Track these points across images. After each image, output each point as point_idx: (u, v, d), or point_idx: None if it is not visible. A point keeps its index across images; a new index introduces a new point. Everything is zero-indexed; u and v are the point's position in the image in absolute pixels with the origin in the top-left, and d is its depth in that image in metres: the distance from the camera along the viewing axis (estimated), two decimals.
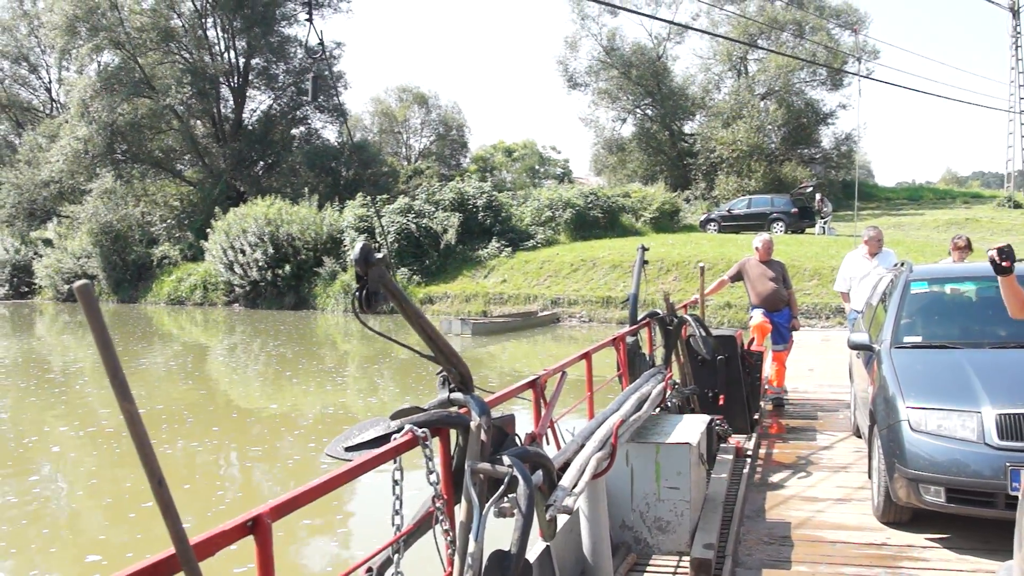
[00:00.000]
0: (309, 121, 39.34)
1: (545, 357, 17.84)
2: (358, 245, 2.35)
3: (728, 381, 6.81)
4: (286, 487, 8.82)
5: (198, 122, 38.21)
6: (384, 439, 2.70)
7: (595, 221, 28.27)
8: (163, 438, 10.59)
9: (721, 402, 6.75)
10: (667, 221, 29.79)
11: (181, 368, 17.40)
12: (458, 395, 2.86)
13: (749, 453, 6.30)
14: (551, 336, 20.84)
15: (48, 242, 36.18)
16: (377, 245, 26.57)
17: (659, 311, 6.07)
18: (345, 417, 12.35)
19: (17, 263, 35.62)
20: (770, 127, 37.10)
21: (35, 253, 35.80)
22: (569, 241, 27.21)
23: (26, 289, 35.32)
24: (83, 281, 1.42)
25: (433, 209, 27.40)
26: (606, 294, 22.31)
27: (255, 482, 9.52)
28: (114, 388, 1.39)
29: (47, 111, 47.55)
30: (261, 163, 38.02)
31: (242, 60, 38.03)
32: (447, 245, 26.50)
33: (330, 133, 40.06)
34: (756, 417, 7.36)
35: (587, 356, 4.92)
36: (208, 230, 30.03)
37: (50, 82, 47.76)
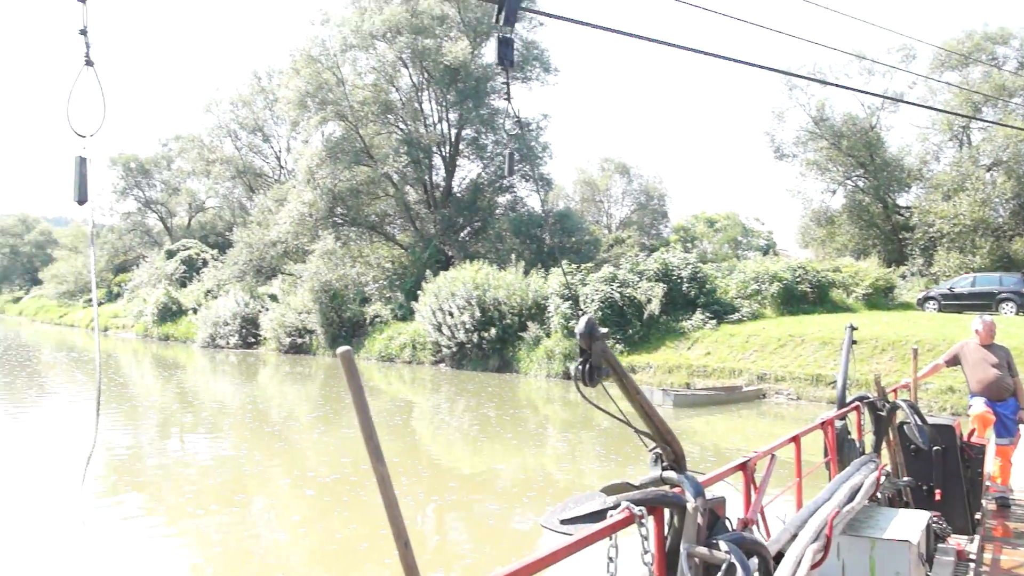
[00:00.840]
0: (515, 189, 41.34)
1: (751, 435, 17.99)
2: (583, 319, 2.43)
3: (945, 475, 6.42)
4: (482, 548, 9.61)
5: (411, 189, 41.02)
6: (600, 515, 2.73)
7: (803, 296, 28.07)
8: (365, 487, 11.59)
9: (938, 497, 6.40)
10: (881, 298, 29.10)
11: (387, 422, 18.63)
12: (671, 474, 2.89)
13: (972, 557, 5.89)
14: (756, 412, 20.89)
15: (273, 297, 39.72)
16: (581, 312, 27.56)
17: (869, 394, 5.92)
18: (543, 481, 12.99)
19: (246, 315, 39.25)
20: (997, 200, 35.50)
21: (262, 307, 39.36)
22: (776, 315, 27.14)
23: (253, 340, 38.80)
24: (345, 348, 1.53)
25: (637, 279, 28.14)
26: (815, 372, 22.14)
27: (451, 541, 10.30)
28: (368, 450, 1.51)
29: (276, 177, 52.48)
30: (468, 228, 40.21)
31: (454, 131, 40.63)
32: (650, 315, 27.11)
33: (535, 201, 41.95)
34: (978, 517, 6.92)
35: (796, 440, 4.85)
36: (419, 291, 32.09)
37: (280, 151, 52.81)
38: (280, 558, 9.04)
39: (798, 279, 28.21)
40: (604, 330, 2.47)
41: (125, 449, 14.95)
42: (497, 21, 4.28)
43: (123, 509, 10.47)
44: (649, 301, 27.23)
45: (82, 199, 3.41)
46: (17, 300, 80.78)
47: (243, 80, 52.56)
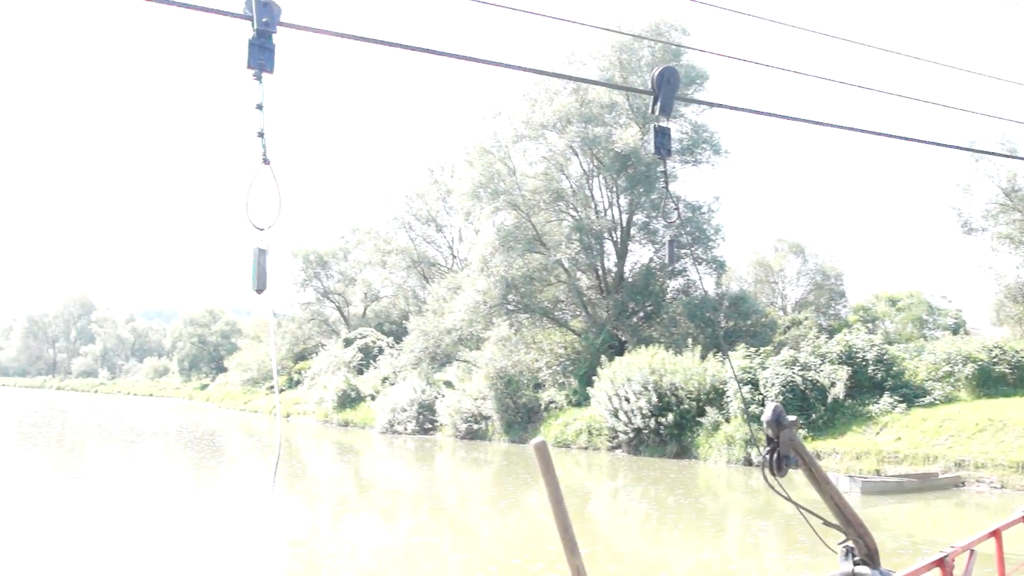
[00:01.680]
0: (687, 273, 41.94)
1: (948, 527, 17.66)
2: (770, 407, 2.39)
3: None
4: None
5: (583, 275, 42.33)
6: None
7: (1001, 377, 27.19)
8: (544, 572, 11.87)
9: None
10: None
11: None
12: (864, 569, 2.86)
13: None
14: (954, 502, 20.43)
15: (449, 384, 41.60)
16: (761, 396, 27.73)
17: None
18: (724, 573, 13.08)
19: (423, 402, 41.24)
20: None
21: (438, 393, 41.27)
22: (972, 398, 26.42)
23: (430, 425, 40.65)
24: (540, 440, 1.53)
25: (819, 362, 28.09)
26: (1021, 458, 21.46)
27: None
28: (563, 543, 1.52)
29: (449, 266, 55.25)
30: (641, 313, 41.01)
31: (624, 216, 41.85)
32: (835, 399, 26.96)
33: (708, 283, 42.34)
34: None
35: (997, 534, 4.65)
36: (594, 377, 33.00)
37: (453, 240, 55.68)
38: None
39: (995, 359, 27.38)
40: (792, 418, 2.51)
41: (304, 529, 15.87)
42: (653, 111, 4.42)
43: None
44: (833, 385, 27.12)
45: (260, 288, 3.63)
46: (204, 387, 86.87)
47: (417, 173, 56.08)
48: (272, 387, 68.72)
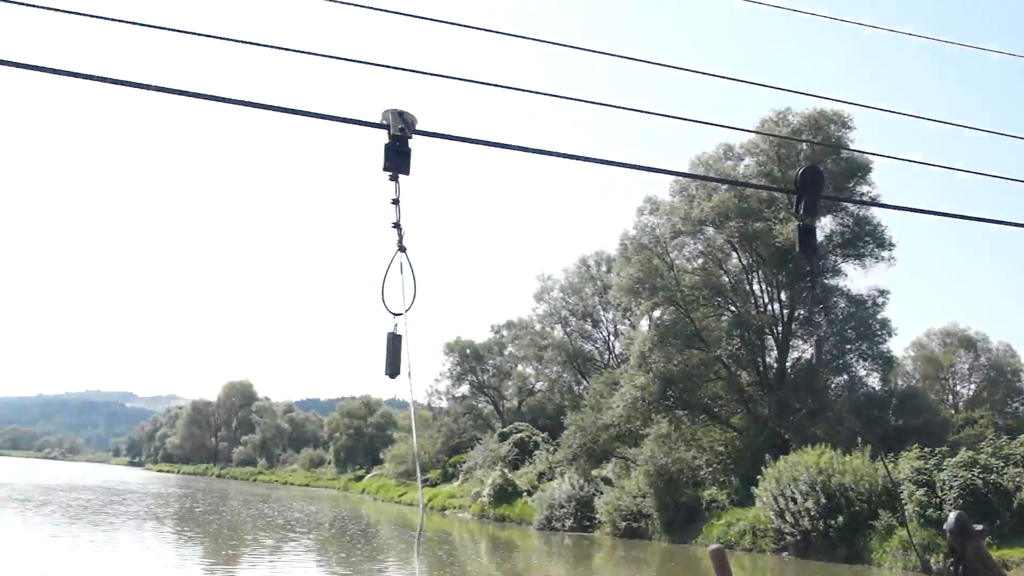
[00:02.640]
0: (853, 369, 41.34)
1: None
2: (953, 516, 2.50)
3: None
4: None
5: (743, 371, 42.35)
6: None
7: None
8: None
9: None
10: None
11: None
12: None
13: None
14: None
15: (607, 480, 42.03)
16: (938, 500, 27.06)
17: None
18: None
19: (580, 498, 41.75)
20: None
21: (596, 490, 41.73)
22: None
23: (588, 523, 41.03)
24: (717, 547, 1.93)
25: (1002, 464, 27.27)
26: None
27: None
28: None
29: (604, 361, 56.13)
30: (804, 410, 40.60)
31: (785, 311, 41.84)
32: (1020, 504, 26.05)
33: (874, 380, 41.57)
34: None
35: None
36: (759, 476, 32.86)
37: (608, 335, 56.68)
38: None
39: None
40: (979, 527, 2.66)
41: None
42: (797, 210, 4.40)
43: None
44: (1019, 488, 26.24)
45: (393, 373, 3.68)
46: (359, 479, 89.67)
47: (571, 266, 57.75)
48: (426, 479, 70.55)
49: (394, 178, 3.47)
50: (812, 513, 29.89)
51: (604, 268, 56.53)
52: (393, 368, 3.62)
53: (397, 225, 3.56)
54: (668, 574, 27.98)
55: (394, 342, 3.62)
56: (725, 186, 40.38)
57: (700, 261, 42.92)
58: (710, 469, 39.39)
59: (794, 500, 30.56)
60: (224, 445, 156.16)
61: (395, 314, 3.62)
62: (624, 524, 38.41)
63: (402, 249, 3.60)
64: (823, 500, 29.80)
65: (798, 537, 30.53)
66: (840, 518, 29.31)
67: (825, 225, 41.56)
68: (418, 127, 3.58)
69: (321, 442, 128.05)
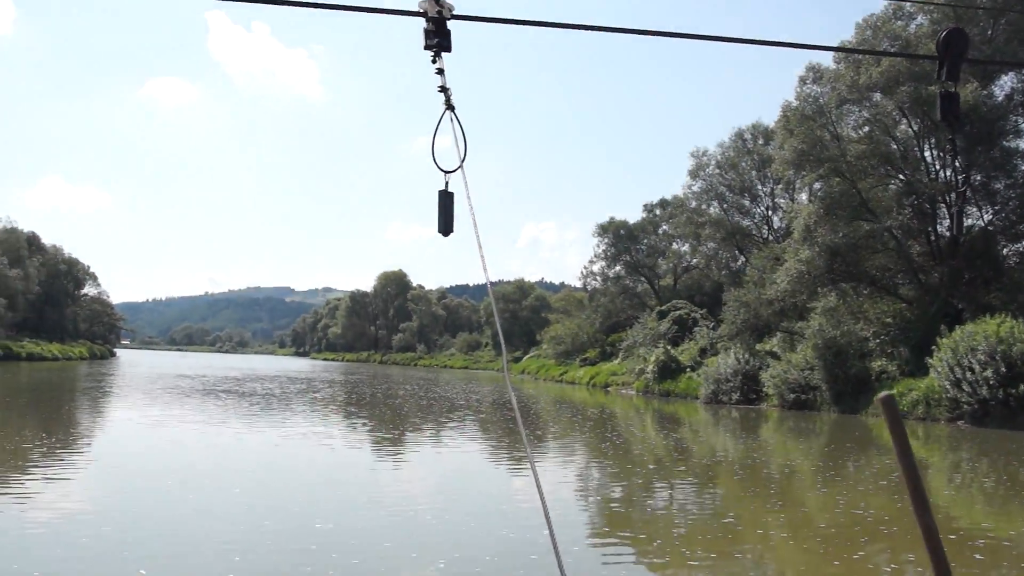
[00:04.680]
0: None
1: None
2: None
3: None
4: None
5: (913, 241, 41.55)
6: None
7: None
8: (861, 542, 11.74)
9: None
10: None
11: (894, 478, 18.21)
12: None
13: None
14: None
15: (772, 354, 42.59)
16: None
17: None
18: None
19: (746, 372, 42.55)
20: None
21: (761, 364, 42.40)
22: None
23: (754, 396, 41.90)
24: (887, 394, 1.65)
25: None
26: None
27: None
28: (913, 500, 1.59)
29: (763, 236, 55.86)
30: (979, 279, 39.72)
31: (959, 177, 40.55)
32: None
33: None
34: None
35: None
36: (933, 347, 32.74)
37: (767, 209, 56.21)
38: None
39: None
40: None
41: (617, 495, 16.13)
42: (939, 76, 4.24)
43: (609, 552, 11.14)
44: None
45: (447, 231, 3.75)
46: (517, 360, 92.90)
47: (727, 140, 57.04)
48: (585, 358, 72.62)
49: (436, 55, 3.61)
50: (991, 382, 29.77)
51: (761, 141, 55.67)
52: (447, 226, 3.74)
53: (444, 89, 3.71)
54: (830, 441, 28.51)
55: (446, 200, 3.73)
56: (895, 50, 38.96)
57: (867, 129, 41.82)
58: (878, 341, 39.33)
59: (971, 370, 30.43)
60: (383, 333, 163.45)
61: (446, 172, 3.73)
62: (792, 396, 39.04)
63: (450, 108, 3.72)
64: (1003, 369, 29.59)
65: (975, 406, 30.51)
66: (1022, 387, 29.11)
67: (1005, 84, 39.71)
68: (486, 15, 3.85)
69: (476, 326, 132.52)
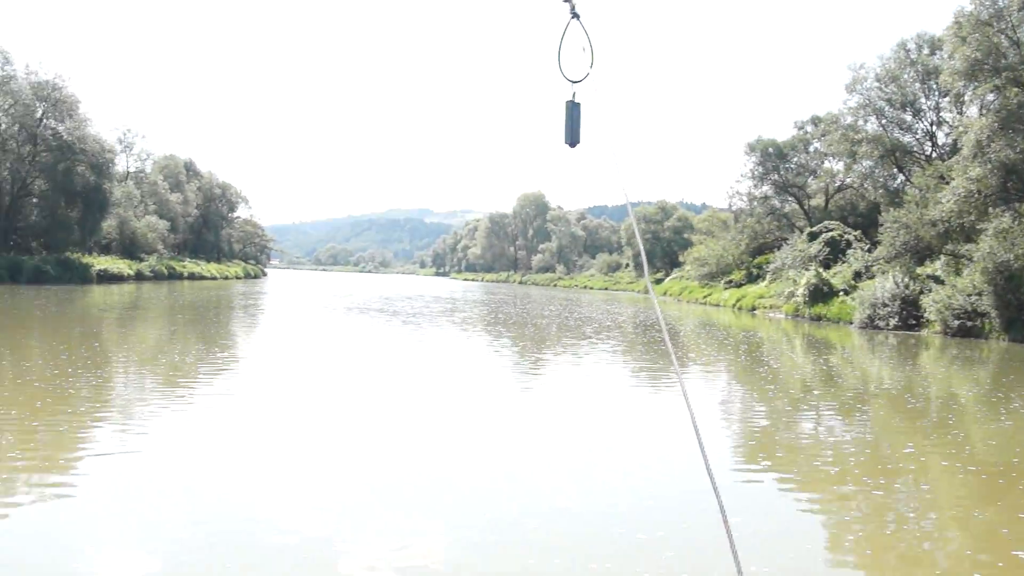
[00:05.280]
0: None
1: None
2: None
3: None
4: None
5: None
6: None
7: None
8: None
9: None
10: None
11: None
12: None
13: None
14: None
15: (935, 278, 40.47)
16: None
17: None
18: None
19: (905, 297, 40.62)
20: None
21: (922, 288, 40.39)
22: None
23: (914, 322, 40.05)
24: None
25: None
26: None
27: None
28: None
29: (924, 154, 52.80)
30: None
31: None
32: None
33: None
34: None
35: None
36: None
37: (931, 126, 52.96)
38: (935, 544, 8.57)
39: None
40: None
41: (762, 421, 15.66)
42: None
43: (753, 479, 10.84)
44: None
45: (573, 142, 3.68)
46: (658, 281, 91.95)
47: (887, 52, 53.81)
48: (730, 281, 71.17)
49: None
50: None
51: (927, 51, 52.19)
52: (573, 137, 3.68)
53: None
54: (997, 370, 26.91)
55: (573, 110, 3.67)
56: None
57: None
58: None
59: None
60: (522, 254, 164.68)
61: (573, 81, 3.67)
62: (956, 323, 37.08)
63: (575, 16, 3.64)
64: None
65: None
66: None
67: None
68: None
69: (615, 247, 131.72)
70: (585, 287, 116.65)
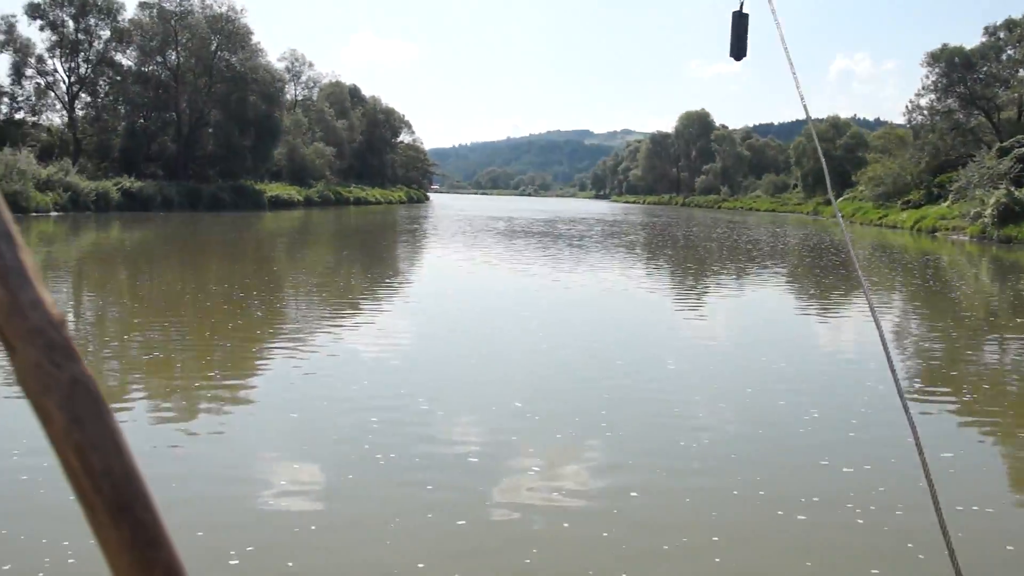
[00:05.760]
0: None
1: None
2: None
3: None
4: None
5: None
6: None
7: None
8: None
9: None
10: None
11: None
12: None
13: None
14: None
15: None
16: None
17: None
18: None
19: None
20: None
21: None
22: None
23: None
24: None
25: None
26: None
27: None
28: None
29: None
30: None
31: None
32: None
33: None
34: None
35: None
36: None
37: None
38: None
39: None
40: None
41: (941, 349, 14.81)
42: None
43: (931, 410, 10.27)
44: None
45: (739, 55, 3.57)
46: (829, 203, 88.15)
47: None
48: (907, 201, 67.49)
49: None
50: None
51: None
52: (739, 49, 3.52)
53: None
54: None
55: (740, 21, 3.50)
56: None
57: None
58: None
59: None
60: (685, 175, 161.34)
61: None
62: None
63: None
64: None
65: None
66: None
67: None
68: None
69: (782, 167, 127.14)
70: (750, 209, 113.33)
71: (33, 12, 62.40)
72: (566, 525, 6.23)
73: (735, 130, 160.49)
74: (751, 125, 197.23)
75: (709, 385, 11.17)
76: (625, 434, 8.63)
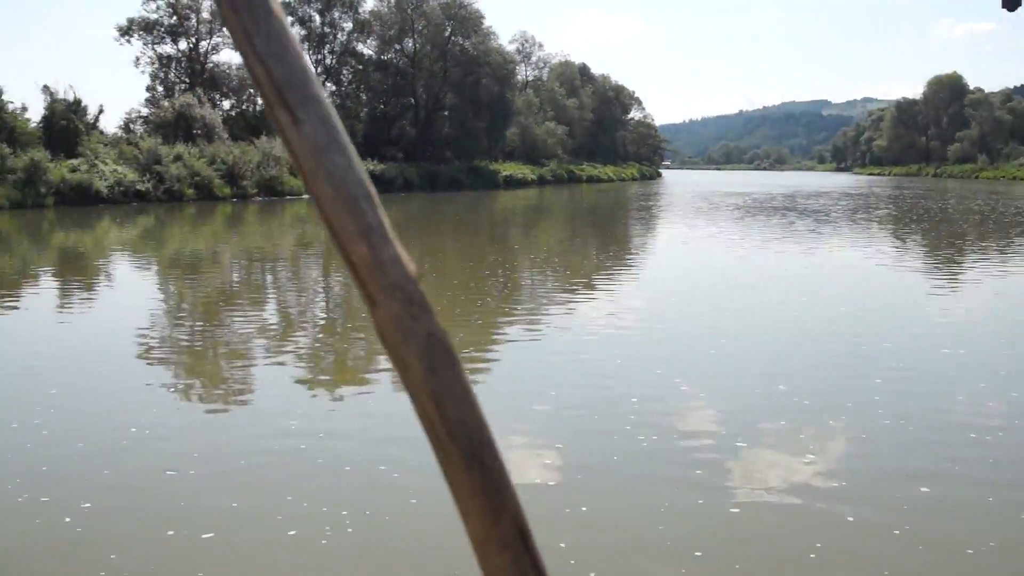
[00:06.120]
0: None
1: None
2: None
3: None
4: None
5: None
6: None
7: None
8: None
9: None
10: None
11: None
12: None
13: None
14: None
15: None
16: None
17: None
18: None
19: None
20: None
21: None
22: None
23: None
24: None
25: None
26: None
27: None
28: None
29: None
30: None
31: None
32: None
33: None
34: None
35: None
36: None
37: None
38: None
39: None
40: None
41: None
42: None
43: None
44: None
45: (1013, 5, 3.38)
46: None
47: None
48: None
49: None
50: None
51: None
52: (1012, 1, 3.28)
53: None
54: None
55: None
56: None
57: None
58: None
59: None
60: (935, 144, 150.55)
61: None
62: None
63: None
64: None
65: None
66: None
67: None
68: None
69: None
70: (1015, 178, 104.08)
71: (284, 10, 66.39)
72: (850, 519, 5.62)
73: (993, 93, 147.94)
74: (1013, 86, 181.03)
75: (993, 375, 9.95)
76: (907, 425, 7.79)
